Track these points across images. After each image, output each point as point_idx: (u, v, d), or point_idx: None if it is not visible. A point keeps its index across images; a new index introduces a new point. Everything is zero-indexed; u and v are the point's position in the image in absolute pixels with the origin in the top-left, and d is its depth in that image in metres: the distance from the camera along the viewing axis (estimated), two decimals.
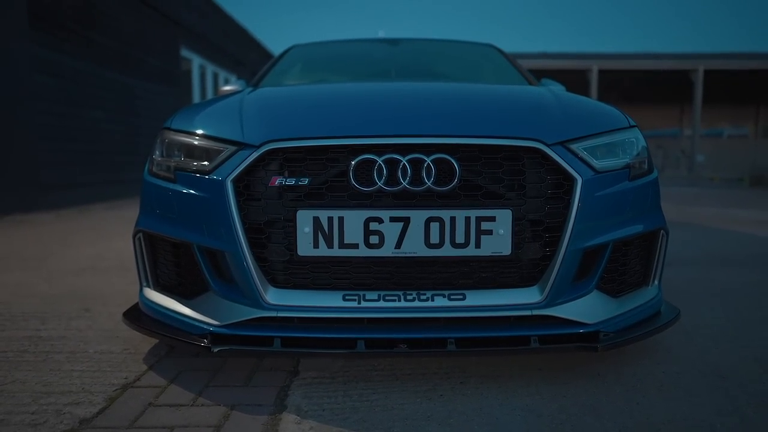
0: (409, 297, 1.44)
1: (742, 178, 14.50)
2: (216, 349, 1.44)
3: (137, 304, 1.74)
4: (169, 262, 1.63)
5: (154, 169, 1.66)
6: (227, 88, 2.70)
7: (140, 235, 1.65)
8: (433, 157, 1.41)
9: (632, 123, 1.72)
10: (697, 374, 1.58)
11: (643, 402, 1.41)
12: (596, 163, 1.51)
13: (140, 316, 1.67)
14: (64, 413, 1.34)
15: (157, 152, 1.67)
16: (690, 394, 1.46)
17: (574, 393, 1.46)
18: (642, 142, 1.69)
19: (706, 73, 19.23)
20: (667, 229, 1.70)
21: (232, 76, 12.67)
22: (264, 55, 15.70)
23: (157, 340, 1.79)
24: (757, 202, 7.81)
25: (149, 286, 1.68)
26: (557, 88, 2.53)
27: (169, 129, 1.67)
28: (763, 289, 2.61)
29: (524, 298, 1.45)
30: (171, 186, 1.57)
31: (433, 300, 1.44)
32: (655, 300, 1.68)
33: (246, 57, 13.98)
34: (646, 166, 1.67)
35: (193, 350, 1.72)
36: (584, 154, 1.50)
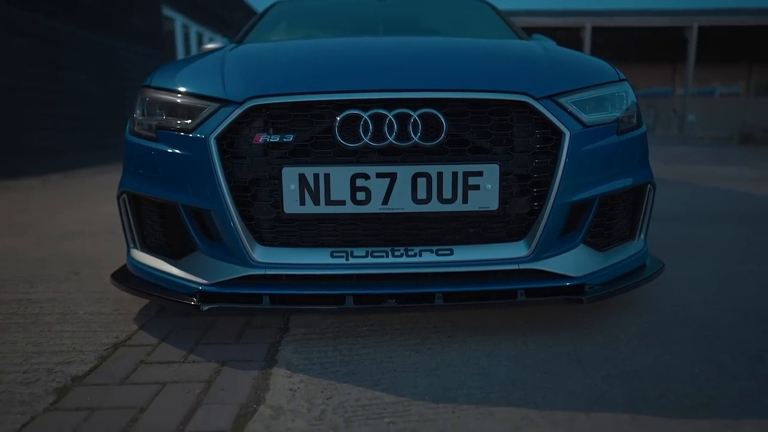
0: (396, 253, 1.45)
1: (731, 136, 14.53)
2: (205, 308, 1.44)
3: (125, 265, 1.74)
4: (155, 222, 1.62)
5: (136, 129, 1.62)
6: (210, 46, 2.62)
7: (124, 195, 1.63)
8: (419, 111, 1.39)
9: (622, 77, 1.70)
10: (678, 325, 1.62)
11: (625, 351, 1.44)
12: (585, 117, 1.50)
13: (129, 277, 1.67)
14: (56, 372, 1.35)
15: (138, 111, 1.63)
16: (671, 343, 1.49)
17: (560, 343, 1.49)
18: (632, 97, 1.68)
19: (700, 30, 18.96)
20: (654, 183, 1.70)
21: (217, 36, 12.30)
22: (249, 14, 15.25)
23: (147, 301, 1.80)
24: (745, 160, 7.86)
25: (136, 247, 1.67)
26: (548, 43, 2.48)
27: (150, 87, 1.63)
28: (747, 244, 2.65)
29: (511, 252, 1.46)
30: (153, 145, 1.54)
31: (420, 255, 1.45)
32: (640, 253, 1.70)
33: (231, 16, 13.57)
34: (635, 121, 1.66)
35: (182, 309, 1.73)
36: (573, 108, 1.49)
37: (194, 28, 11.31)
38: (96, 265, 2.34)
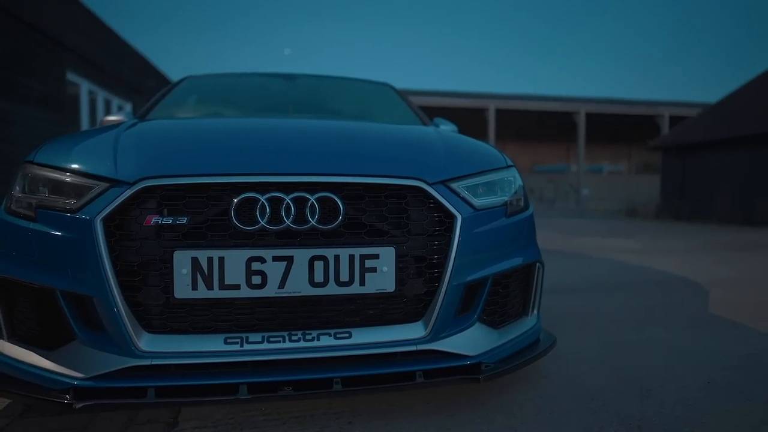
0: (294, 337, 1.41)
1: (620, 209, 16.13)
2: (79, 405, 1.30)
3: None
4: (28, 310, 1.47)
5: (13, 206, 1.50)
6: (111, 118, 2.55)
7: None
8: (317, 195, 1.41)
9: (509, 163, 1.85)
10: (569, 398, 1.69)
11: (522, 429, 1.47)
12: (475, 201, 1.59)
13: None
14: None
15: (18, 187, 1.52)
16: (563, 417, 1.55)
17: (459, 423, 1.49)
18: (519, 181, 1.82)
19: (587, 115, 21.31)
20: (543, 261, 1.82)
21: (128, 104, 11.99)
22: (163, 82, 15.07)
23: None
24: (630, 232, 8.69)
25: (3, 338, 1.49)
26: (447, 128, 2.66)
27: (32, 163, 1.53)
28: (630, 314, 2.88)
29: (409, 333, 1.48)
30: (31, 225, 1.42)
31: (318, 339, 1.42)
32: (534, 329, 1.78)
33: (143, 84, 13.33)
34: (522, 203, 1.80)
35: (54, 408, 1.54)
36: (464, 193, 1.58)
37: (102, 95, 10.95)
38: None
